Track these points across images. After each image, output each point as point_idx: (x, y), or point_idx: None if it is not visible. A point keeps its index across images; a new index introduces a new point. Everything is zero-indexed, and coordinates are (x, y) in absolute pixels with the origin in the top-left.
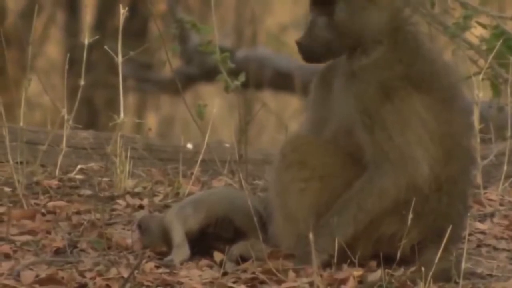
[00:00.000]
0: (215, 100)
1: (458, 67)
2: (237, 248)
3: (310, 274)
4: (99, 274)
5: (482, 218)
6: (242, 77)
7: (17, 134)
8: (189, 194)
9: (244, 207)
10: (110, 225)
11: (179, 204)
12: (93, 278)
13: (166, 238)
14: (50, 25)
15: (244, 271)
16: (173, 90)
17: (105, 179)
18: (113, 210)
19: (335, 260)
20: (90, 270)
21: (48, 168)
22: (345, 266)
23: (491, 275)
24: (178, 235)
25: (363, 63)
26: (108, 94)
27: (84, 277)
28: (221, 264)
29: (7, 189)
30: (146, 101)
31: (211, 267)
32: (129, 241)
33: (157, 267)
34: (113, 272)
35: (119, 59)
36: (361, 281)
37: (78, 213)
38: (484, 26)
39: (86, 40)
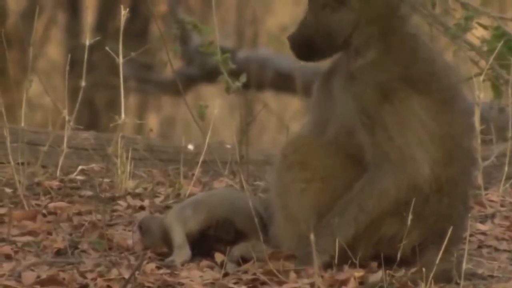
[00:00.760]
0: (216, 100)
1: (459, 68)
2: (238, 249)
3: (311, 275)
4: (100, 275)
5: (483, 219)
6: (243, 78)
7: (18, 135)
8: (190, 195)
9: (245, 208)
10: (111, 226)
11: (180, 205)
12: (94, 279)
13: (166, 239)
14: (51, 26)
15: (245, 272)
16: (174, 91)
17: (106, 180)
18: (114, 211)
19: (336, 261)
20: (91, 271)
21: (49, 169)
22: (346, 267)
23: (492, 276)
24: (178, 236)
25: (359, 64)
26: (109, 95)
27: (85, 278)
28: (222, 265)
29: (8, 190)
30: (147, 102)
31: (212, 268)
32: (130, 242)
33: (158, 268)
34: (114, 273)
35: (120, 60)
36: (362, 282)
37: (79, 214)
38: (485, 27)
39: (87, 41)
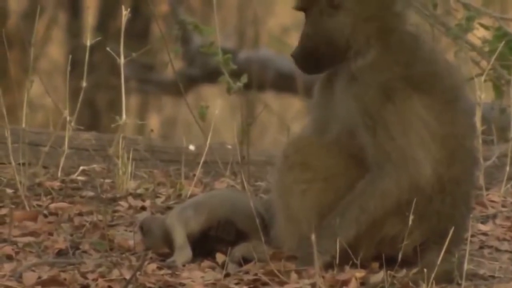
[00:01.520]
0: (217, 101)
1: (461, 69)
2: (239, 250)
3: (312, 275)
4: (101, 275)
5: (484, 220)
6: (244, 79)
7: (19, 136)
8: (191, 195)
9: (246, 209)
10: (112, 226)
11: (181, 206)
12: (95, 280)
13: (168, 240)
14: (52, 26)
15: (247, 272)
16: (175, 91)
17: (107, 180)
18: (115, 211)
19: (337, 261)
20: (92, 271)
21: (50, 169)
22: (347, 268)
23: (493, 277)
24: (179, 237)
25: (360, 65)
26: (110, 95)
27: (86, 278)
28: (223, 266)
29: (9, 190)
30: (148, 103)
31: (213, 268)
32: (131, 242)
33: (159, 268)
34: (115, 273)
35: (121, 61)
36: (363, 282)
37: (80, 214)
38: (486, 28)
39: (88, 41)
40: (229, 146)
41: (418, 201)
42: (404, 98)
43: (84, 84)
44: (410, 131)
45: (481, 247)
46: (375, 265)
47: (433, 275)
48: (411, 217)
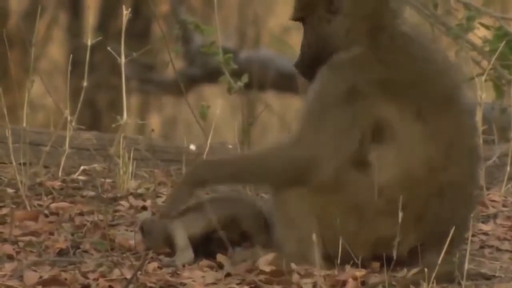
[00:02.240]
0: (218, 101)
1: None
2: (239, 255)
3: (312, 274)
4: (102, 275)
5: (485, 219)
6: (245, 78)
7: (20, 135)
8: None
9: (249, 209)
10: (113, 226)
11: (183, 208)
12: (96, 279)
13: (168, 242)
14: (53, 26)
15: (248, 271)
16: (176, 91)
17: (108, 180)
18: (116, 211)
19: (338, 261)
20: (93, 271)
21: (51, 169)
22: (347, 267)
23: (494, 276)
24: (181, 240)
25: (341, 57)
26: (111, 95)
27: (87, 278)
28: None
29: (10, 190)
30: (149, 102)
31: (214, 268)
32: (132, 242)
33: (160, 268)
34: (116, 273)
35: (122, 60)
36: (363, 282)
37: (81, 214)
38: (487, 27)
39: (89, 41)
40: (230, 146)
41: (414, 204)
42: (366, 105)
43: (84, 83)
44: (341, 134)
45: (481, 247)
46: (376, 265)
47: (433, 275)
48: (400, 214)
